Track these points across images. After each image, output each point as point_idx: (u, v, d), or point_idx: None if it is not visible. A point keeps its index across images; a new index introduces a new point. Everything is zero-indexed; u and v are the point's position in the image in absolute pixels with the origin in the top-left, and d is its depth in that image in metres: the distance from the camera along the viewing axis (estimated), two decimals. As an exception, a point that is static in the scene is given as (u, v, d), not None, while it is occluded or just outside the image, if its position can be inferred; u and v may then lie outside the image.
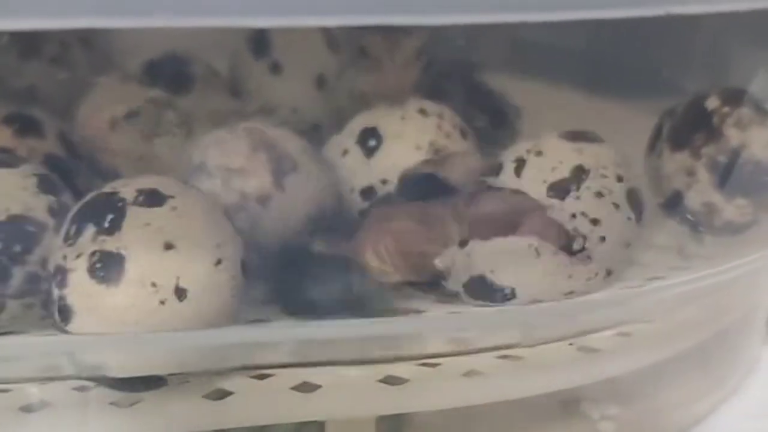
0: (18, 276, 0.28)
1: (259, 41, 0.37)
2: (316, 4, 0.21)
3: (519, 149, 0.31)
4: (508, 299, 0.29)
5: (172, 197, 0.27)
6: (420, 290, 0.30)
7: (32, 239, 0.28)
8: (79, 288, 0.26)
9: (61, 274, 0.26)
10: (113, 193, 0.27)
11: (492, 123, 0.36)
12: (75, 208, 0.27)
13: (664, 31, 0.31)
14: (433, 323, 0.30)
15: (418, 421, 0.29)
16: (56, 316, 0.27)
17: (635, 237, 0.31)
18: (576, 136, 0.31)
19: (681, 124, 0.34)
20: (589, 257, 0.29)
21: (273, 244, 0.30)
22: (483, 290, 0.29)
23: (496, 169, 0.31)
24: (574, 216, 0.30)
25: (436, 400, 0.29)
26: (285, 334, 0.28)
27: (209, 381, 0.28)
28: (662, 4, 0.24)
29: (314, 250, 0.29)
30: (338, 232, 0.30)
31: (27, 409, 0.27)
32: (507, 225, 0.29)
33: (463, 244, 0.29)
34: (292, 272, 0.29)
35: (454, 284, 0.29)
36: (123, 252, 0.26)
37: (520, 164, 0.31)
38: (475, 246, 0.29)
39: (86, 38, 0.37)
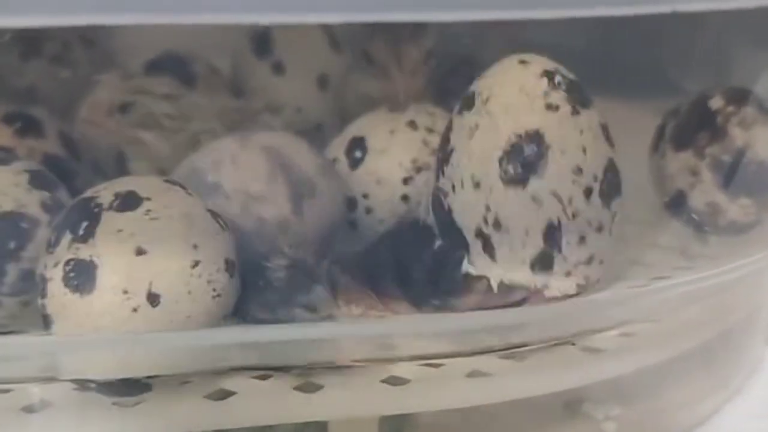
0: (12, 273, 0.28)
1: (262, 41, 0.37)
2: (318, 2, 0.21)
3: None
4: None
5: (148, 199, 0.27)
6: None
7: (25, 235, 0.28)
8: (56, 297, 0.26)
9: (43, 282, 0.26)
10: (91, 198, 0.27)
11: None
12: (59, 216, 0.27)
13: (667, 31, 0.31)
14: (433, 324, 0.30)
15: (420, 421, 0.29)
16: (42, 324, 0.27)
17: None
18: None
19: (685, 124, 0.34)
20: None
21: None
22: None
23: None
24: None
25: (438, 400, 0.29)
26: (285, 334, 0.28)
27: (211, 381, 0.28)
28: (669, 1, 0.24)
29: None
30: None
31: (28, 409, 0.27)
32: None
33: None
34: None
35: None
36: (96, 259, 0.26)
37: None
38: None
39: (87, 37, 0.37)
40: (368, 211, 0.32)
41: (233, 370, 0.28)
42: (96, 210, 0.26)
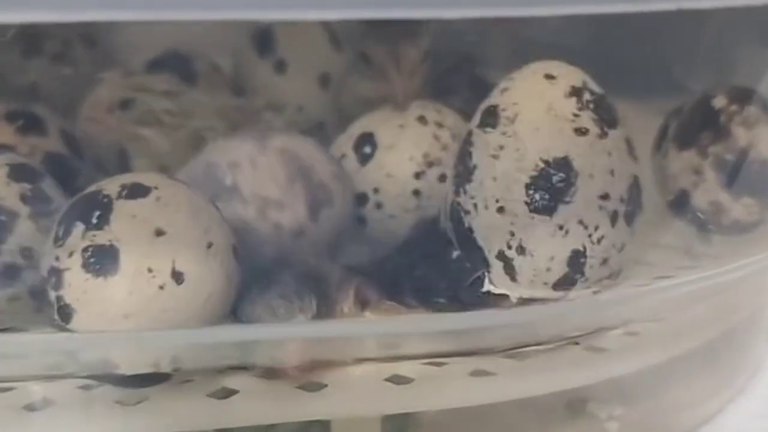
0: None
1: (264, 39, 0.37)
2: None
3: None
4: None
5: (156, 188, 0.27)
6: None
7: (2, 228, 0.28)
8: (76, 285, 0.26)
9: (56, 275, 0.26)
10: (97, 192, 0.27)
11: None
12: (61, 212, 0.27)
13: (670, 30, 0.31)
14: (436, 323, 0.30)
15: (423, 420, 0.29)
16: (56, 317, 0.27)
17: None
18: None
19: (688, 123, 0.34)
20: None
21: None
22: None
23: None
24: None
25: (441, 399, 0.29)
26: (289, 332, 0.28)
27: (214, 380, 0.28)
28: (674, -1, 0.23)
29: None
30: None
31: (30, 407, 0.27)
32: None
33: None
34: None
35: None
36: (116, 243, 0.26)
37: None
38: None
39: (89, 35, 0.37)
40: (378, 206, 0.32)
41: (235, 368, 0.28)
42: (105, 200, 0.27)
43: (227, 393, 0.27)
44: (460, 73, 0.37)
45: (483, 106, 0.29)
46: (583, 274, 0.28)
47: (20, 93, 0.35)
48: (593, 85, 0.28)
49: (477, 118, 0.29)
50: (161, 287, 0.26)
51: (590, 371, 0.30)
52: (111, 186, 0.27)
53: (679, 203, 0.34)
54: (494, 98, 0.29)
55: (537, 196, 0.27)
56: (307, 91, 0.37)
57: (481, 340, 0.29)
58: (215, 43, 0.37)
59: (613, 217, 0.28)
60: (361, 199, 0.32)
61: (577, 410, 0.31)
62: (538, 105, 0.28)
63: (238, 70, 0.38)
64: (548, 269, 0.28)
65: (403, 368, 0.28)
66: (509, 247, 0.28)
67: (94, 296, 0.26)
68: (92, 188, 0.27)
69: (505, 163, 0.28)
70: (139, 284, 0.26)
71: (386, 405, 0.28)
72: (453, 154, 0.32)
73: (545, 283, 0.28)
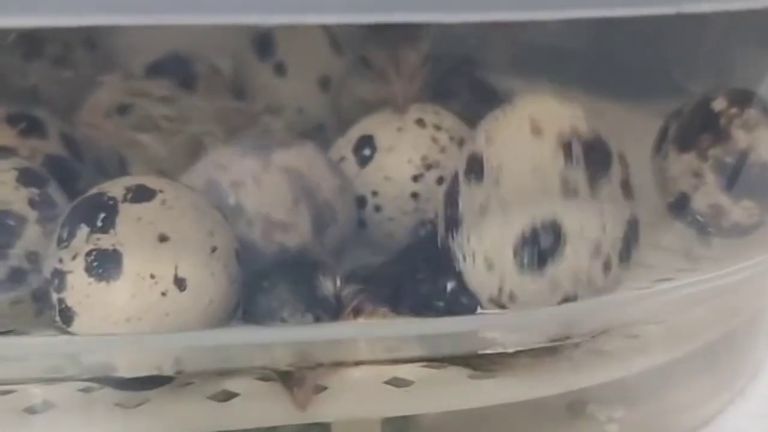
0: (0, 271, 0.28)
1: (264, 42, 0.37)
2: (319, 2, 0.21)
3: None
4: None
5: (161, 191, 0.27)
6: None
7: (12, 233, 0.28)
8: (78, 288, 0.26)
9: (59, 277, 0.26)
10: (101, 194, 0.27)
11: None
12: (65, 213, 0.27)
13: (670, 32, 0.31)
14: (439, 325, 0.30)
15: (423, 422, 0.29)
16: (57, 319, 0.27)
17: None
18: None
19: (688, 126, 0.34)
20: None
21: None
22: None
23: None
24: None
25: (442, 401, 0.29)
26: (287, 335, 0.28)
27: (214, 382, 0.28)
28: (673, 2, 0.23)
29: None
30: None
31: (31, 410, 0.27)
32: None
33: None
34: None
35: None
36: (119, 248, 0.26)
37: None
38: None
39: (89, 39, 0.37)
40: (377, 209, 0.32)
41: (236, 371, 0.28)
42: (111, 203, 0.27)
43: (228, 395, 0.27)
44: (460, 76, 0.37)
45: (468, 150, 0.28)
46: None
47: (21, 96, 0.35)
48: (584, 126, 0.27)
49: (463, 164, 0.28)
50: (163, 293, 0.26)
51: (590, 373, 0.30)
52: (115, 188, 0.27)
53: (679, 206, 0.34)
54: (478, 143, 0.28)
55: (525, 258, 0.27)
56: (307, 93, 0.37)
57: (481, 343, 0.29)
58: (215, 45, 0.37)
59: (606, 265, 0.27)
60: (360, 201, 0.32)
61: (577, 412, 0.31)
62: (524, 165, 0.27)
63: (238, 73, 0.38)
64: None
65: (403, 371, 0.28)
66: (500, 295, 0.28)
67: (96, 300, 0.26)
68: (96, 190, 0.27)
69: (492, 222, 0.27)
70: (141, 290, 0.26)
71: (386, 407, 0.28)
72: (451, 157, 0.32)
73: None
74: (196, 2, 0.21)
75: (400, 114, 0.33)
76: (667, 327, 0.32)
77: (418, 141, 0.32)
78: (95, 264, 0.26)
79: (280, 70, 0.37)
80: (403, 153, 0.32)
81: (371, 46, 0.35)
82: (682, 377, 0.33)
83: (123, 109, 0.34)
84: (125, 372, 0.27)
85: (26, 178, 0.29)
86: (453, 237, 0.28)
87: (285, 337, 0.28)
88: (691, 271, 0.32)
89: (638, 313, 0.31)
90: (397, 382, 0.28)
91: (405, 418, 0.29)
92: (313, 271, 0.29)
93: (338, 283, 0.29)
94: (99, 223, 0.26)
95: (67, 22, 0.20)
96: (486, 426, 0.30)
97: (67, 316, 0.26)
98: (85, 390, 0.27)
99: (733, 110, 0.33)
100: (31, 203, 0.28)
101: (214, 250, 0.27)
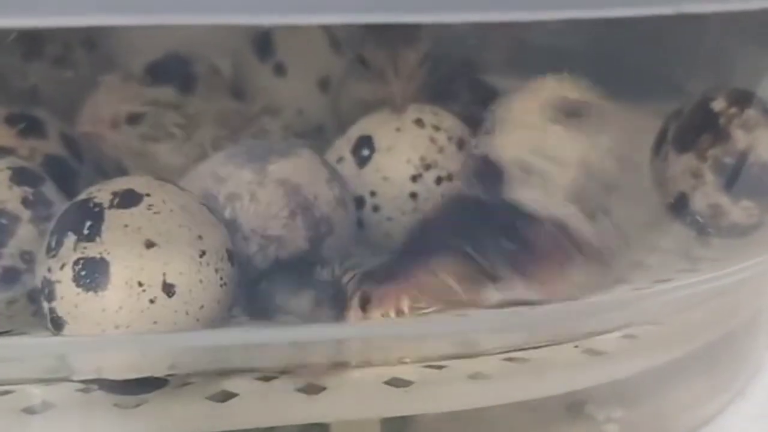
0: None
1: (263, 42, 0.37)
2: (319, 2, 0.21)
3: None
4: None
5: (148, 195, 0.27)
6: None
7: (5, 232, 0.28)
8: (67, 298, 0.26)
9: (48, 286, 0.26)
10: (89, 200, 0.27)
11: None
12: (54, 220, 0.27)
13: (669, 33, 0.31)
14: (438, 325, 0.30)
15: (423, 423, 0.29)
16: (50, 327, 0.26)
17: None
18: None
19: (687, 126, 0.34)
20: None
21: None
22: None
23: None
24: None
25: (441, 402, 0.29)
26: (286, 335, 0.28)
27: (213, 382, 0.28)
28: (673, 2, 0.23)
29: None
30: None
31: (30, 410, 0.27)
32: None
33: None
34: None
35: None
36: (106, 256, 0.26)
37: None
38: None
39: (89, 39, 0.37)
40: (375, 209, 0.32)
41: (235, 371, 0.28)
42: (97, 209, 0.26)
43: (227, 396, 0.27)
44: (459, 76, 0.37)
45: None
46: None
47: (20, 96, 0.35)
48: None
49: None
50: (152, 301, 0.26)
51: (589, 374, 0.30)
52: (102, 193, 0.27)
53: (679, 206, 0.34)
54: None
55: None
56: (306, 94, 0.37)
57: (480, 343, 0.29)
58: (215, 46, 0.37)
59: None
60: (359, 202, 0.32)
61: (576, 412, 0.31)
62: None
63: (237, 73, 0.38)
64: None
65: (403, 371, 0.28)
66: None
67: (85, 310, 0.26)
68: (83, 195, 0.27)
69: None
70: (129, 299, 0.26)
71: (385, 408, 0.28)
72: (449, 157, 0.32)
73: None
74: (196, 2, 0.21)
75: (398, 114, 0.33)
76: (666, 328, 0.32)
77: (417, 141, 0.32)
78: (83, 273, 0.26)
79: (279, 70, 0.37)
80: (402, 153, 0.32)
81: (371, 46, 0.35)
82: (681, 378, 0.33)
83: (133, 119, 0.34)
84: (120, 374, 0.27)
85: (20, 177, 0.29)
86: None
87: (285, 337, 0.28)
88: (691, 272, 0.32)
89: (638, 313, 0.31)
90: (396, 382, 0.28)
91: (404, 419, 0.29)
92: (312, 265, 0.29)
93: (336, 271, 0.29)
94: (85, 231, 0.26)
95: (67, 22, 0.20)
96: (486, 426, 0.30)
97: (57, 324, 0.26)
98: (84, 390, 0.27)
99: (733, 110, 0.33)
100: (25, 202, 0.28)
101: (203, 254, 0.26)
